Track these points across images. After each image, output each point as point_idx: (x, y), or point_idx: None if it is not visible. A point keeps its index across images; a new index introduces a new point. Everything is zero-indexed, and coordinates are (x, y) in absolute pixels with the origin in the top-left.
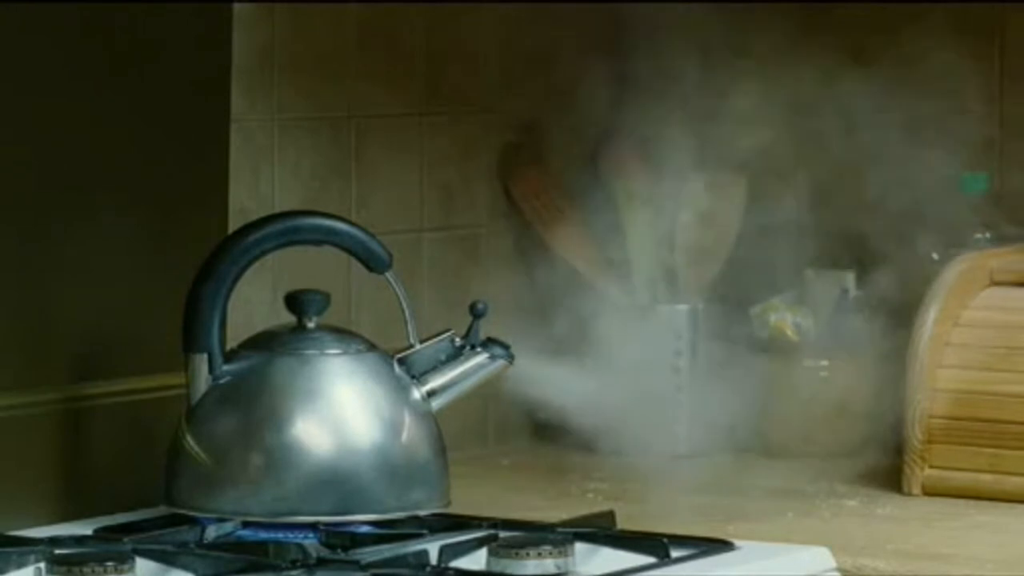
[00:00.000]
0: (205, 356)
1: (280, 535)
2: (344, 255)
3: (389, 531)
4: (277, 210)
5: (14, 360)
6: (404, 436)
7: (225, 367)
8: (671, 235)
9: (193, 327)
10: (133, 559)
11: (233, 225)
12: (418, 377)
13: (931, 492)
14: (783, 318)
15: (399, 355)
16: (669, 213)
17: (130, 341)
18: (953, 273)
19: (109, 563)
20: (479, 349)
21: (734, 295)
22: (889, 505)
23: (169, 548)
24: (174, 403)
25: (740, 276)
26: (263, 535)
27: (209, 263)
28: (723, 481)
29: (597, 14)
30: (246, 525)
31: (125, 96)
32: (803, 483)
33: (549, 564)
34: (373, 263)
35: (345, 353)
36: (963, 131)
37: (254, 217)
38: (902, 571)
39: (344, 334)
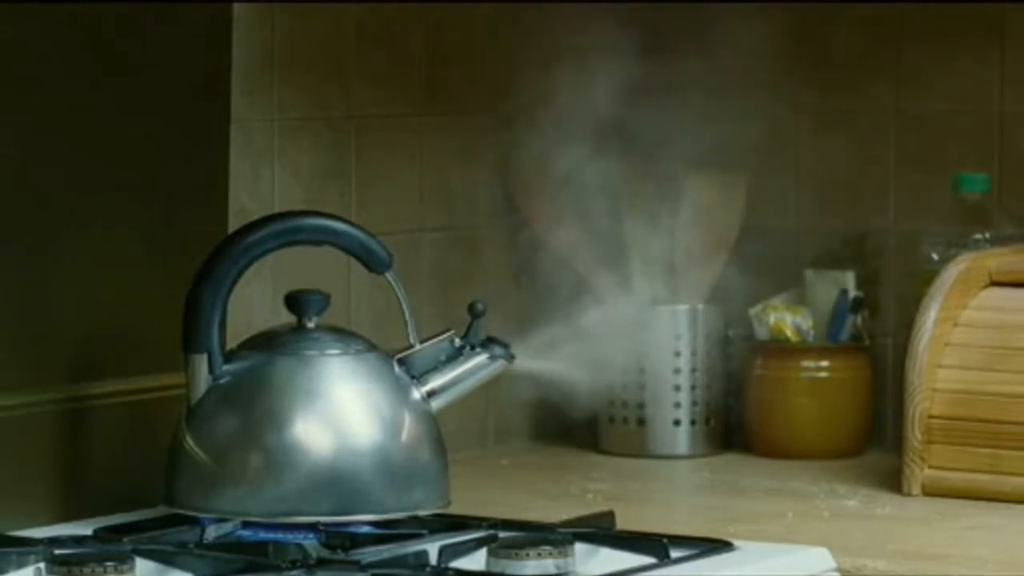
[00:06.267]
0: (205, 356)
1: (280, 535)
2: (344, 255)
3: (389, 531)
4: (277, 210)
5: (14, 360)
6: (404, 436)
7: (225, 367)
8: (671, 235)
9: (193, 327)
10: (133, 559)
11: (233, 225)
12: (418, 377)
13: (931, 492)
14: (783, 318)
15: (399, 355)
16: (669, 213)
17: (130, 341)
18: (953, 273)
19: (109, 563)
20: (479, 349)
21: (734, 295)
22: (889, 505)
23: (169, 548)
24: (174, 403)
25: (740, 276)
26: (263, 535)
27: (209, 263)
28: (723, 481)
29: (597, 14)
30: (246, 525)
31: (125, 96)
32: (803, 483)
33: (549, 564)
34: (373, 263)
35: (345, 353)
36: (963, 131)
37: (254, 217)
38: (902, 571)
39: (344, 334)
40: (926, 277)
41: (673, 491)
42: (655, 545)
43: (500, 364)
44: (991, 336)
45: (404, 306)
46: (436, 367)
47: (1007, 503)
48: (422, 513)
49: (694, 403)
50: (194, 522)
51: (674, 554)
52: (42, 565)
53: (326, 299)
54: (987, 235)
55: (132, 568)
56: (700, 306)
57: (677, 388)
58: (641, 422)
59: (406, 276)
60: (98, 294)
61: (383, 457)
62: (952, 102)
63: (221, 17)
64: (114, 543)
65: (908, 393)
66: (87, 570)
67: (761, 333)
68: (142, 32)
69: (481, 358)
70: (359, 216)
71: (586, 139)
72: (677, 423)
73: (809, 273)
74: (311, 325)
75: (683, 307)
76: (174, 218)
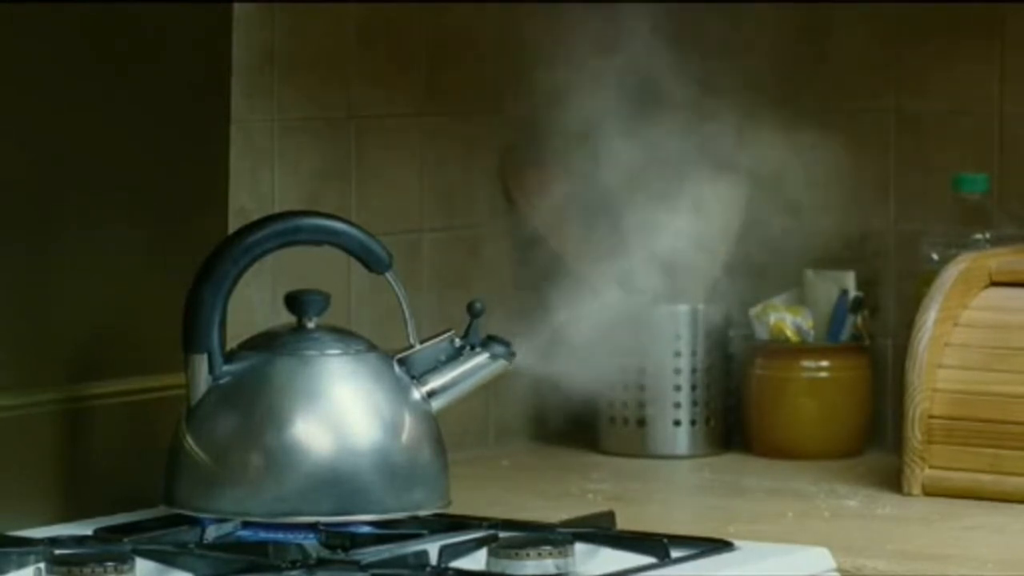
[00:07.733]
0: (205, 356)
1: (280, 535)
2: (344, 255)
3: (389, 531)
4: (277, 210)
5: (14, 360)
6: (404, 436)
7: (225, 367)
8: (671, 235)
9: (193, 327)
10: (133, 559)
11: (233, 225)
12: (418, 377)
13: (931, 492)
14: (783, 318)
15: (399, 355)
16: (670, 213)
17: (130, 341)
18: (953, 273)
19: (109, 563)
20: (479, 349)
21: (734, 295)
22: (889, 505)
23: (169, 548)
24: (174, 403)
25: (740, 276)
26: (263, 535)
27: (209, 263)
28: (723, 481)
29: (596, 14)
30: (246, 525)
31: (125, 97)
32: (803, 483)
33: (549, 564)
34: (373, 263)
35: (345, 353)
36: (963, 131)
37: (254, 217)
38: (902, 571)
39: (344, 334)
40: (926, 277)
41: (673, 491)
42: (655, 545)
43: (500, 364)
44: (991, 336)
45: (404, 306)
46: (436, 367)
47: (1008, 503)
48: (422, 513)
49: (694, 403)
50: (194, 522)
51: (674, 554)
52: (42, 565)
53: (326, 299)
54: (987, 235)
55: (132, 568)
56: (700, 306)
57: (677, 388)
58: (641, 422)
59: (406, 276)
60: (98, 294)
61: (383, 457)
62: (952, 102)
63: (221, 17)
64: (114, 543)
65: (908, 393)
66: (87, 570)
67: (761, 333)
68: (142, 32)
69: (481, 358)
70: (359, 216)
71: (586, 139)
72: (677, 423)
73: (809, 273)
74: (311, 325)
75: (683, 307)
76: (174, 218)
